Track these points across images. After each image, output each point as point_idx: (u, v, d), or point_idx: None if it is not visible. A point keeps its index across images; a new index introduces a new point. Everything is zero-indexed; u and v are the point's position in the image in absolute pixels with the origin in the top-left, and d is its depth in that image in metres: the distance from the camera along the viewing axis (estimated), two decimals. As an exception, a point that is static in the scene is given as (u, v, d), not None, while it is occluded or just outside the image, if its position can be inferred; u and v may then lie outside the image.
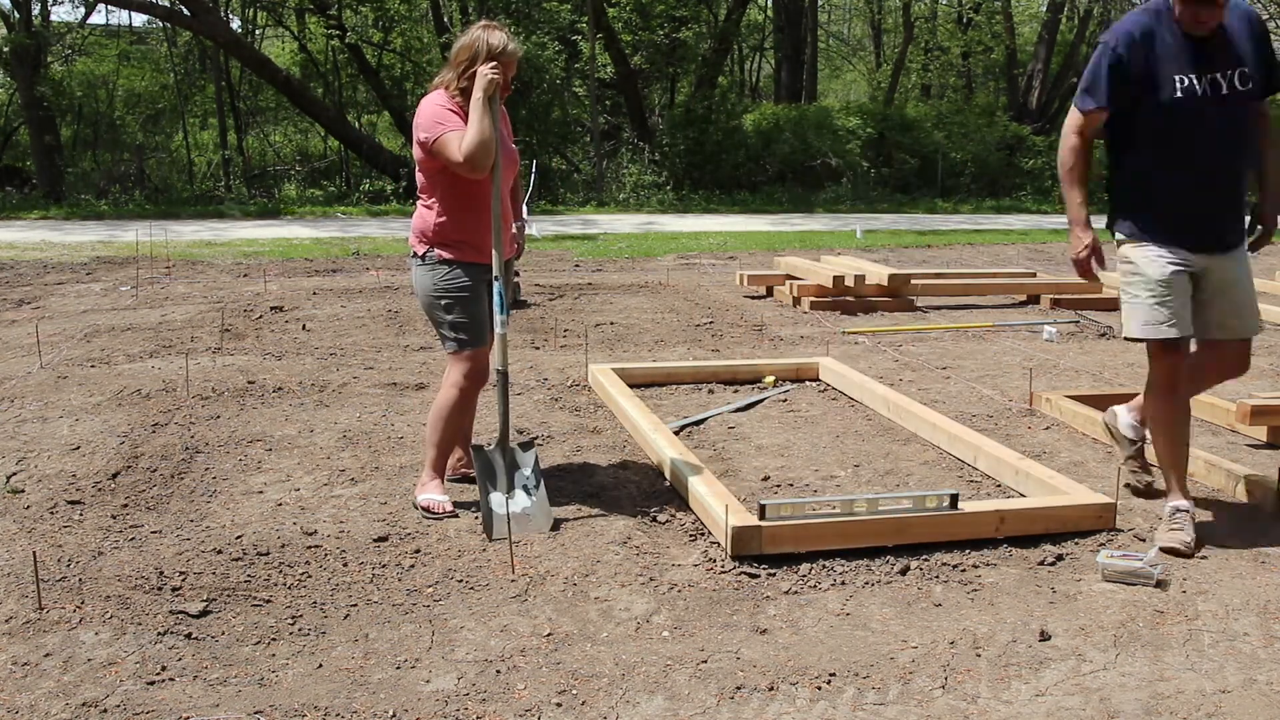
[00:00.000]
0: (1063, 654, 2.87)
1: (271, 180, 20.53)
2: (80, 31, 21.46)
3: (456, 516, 3.78)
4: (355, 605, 3.10)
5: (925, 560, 3.44)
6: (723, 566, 3.38)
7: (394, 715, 2.53)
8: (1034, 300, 8.76)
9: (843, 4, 37.90)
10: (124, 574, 3.24)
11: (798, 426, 5.06)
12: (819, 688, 2.67)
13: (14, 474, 4.17)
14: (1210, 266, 3.65)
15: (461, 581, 3.26)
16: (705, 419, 5.15)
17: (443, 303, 3.82)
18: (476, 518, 3.76)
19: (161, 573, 3.25)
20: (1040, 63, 24.13)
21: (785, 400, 5.56)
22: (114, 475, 4.16)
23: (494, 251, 3.73)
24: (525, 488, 3.76)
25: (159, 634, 2.88)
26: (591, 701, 2.60)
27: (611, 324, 7.62)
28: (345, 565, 3.36)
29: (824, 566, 3.38)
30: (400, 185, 18.73)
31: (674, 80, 23.30)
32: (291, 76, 19.94)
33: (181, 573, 3.26)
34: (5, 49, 18.38)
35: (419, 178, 3.89)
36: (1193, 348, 3.74)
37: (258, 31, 24.93)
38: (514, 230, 4.01)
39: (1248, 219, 3.85)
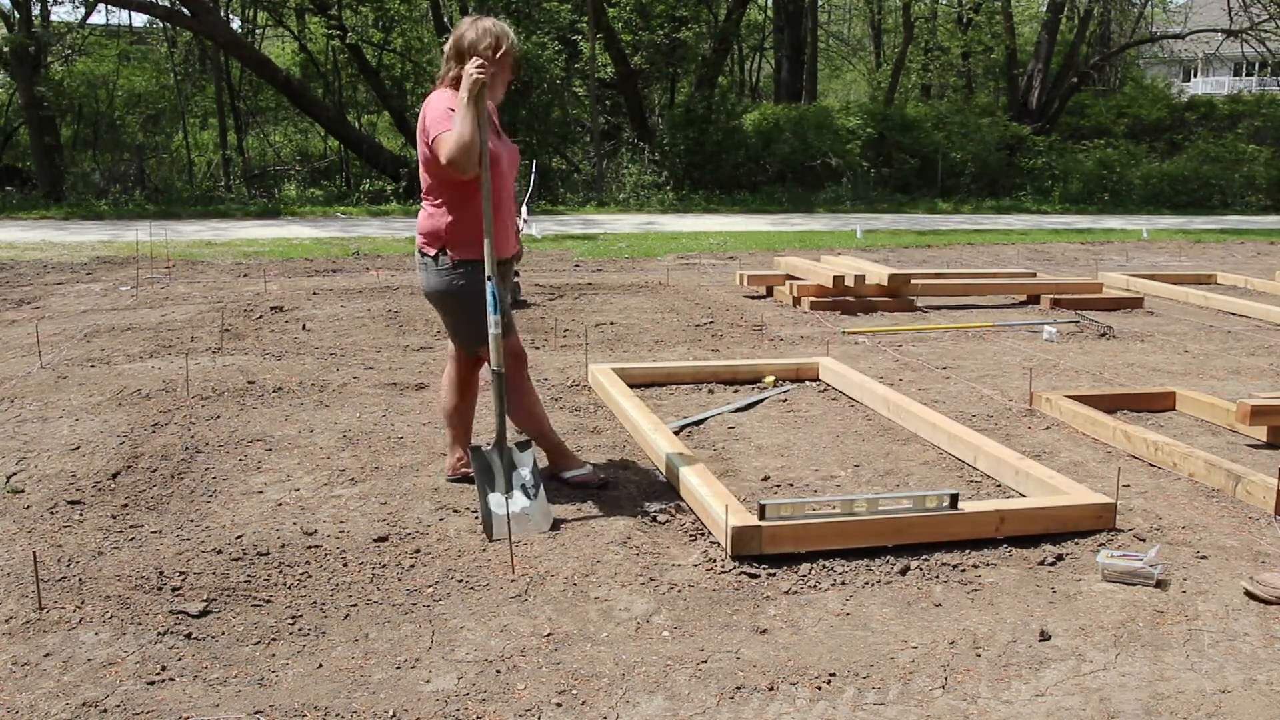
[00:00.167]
0: (1063, 654, 2.87)
1: (271, 180, 20.52)
2: (80, 31, 21.44)
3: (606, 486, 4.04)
4: (355, 605, 3.10)
5: (925, 560, 3.44)
6: (723, 566, 3.38)
7: (394, 715, 2.53)
8: (1034, 300, 8.76)
9: (843, 4, 37.89)
10: (124, 574, 3.24)
11: (798, 426, 5.06)
12: (819, 688, 2.67)
13: (14, 474, 4.17)
14: None
15: (461, 581, 3.26)
16: (705, 419, 5.15)
17: (461, 304, 3.81)
18: (476, 518, 3.76)
19: (161, 573, 3.25)
20: (1040, 63, 24.10)
21: (785, 400, 5.56)
22: (114, 475, 4.16)
23: (486, 251, 3.70)
24: (524, 488, 3.75)
25: (159, 634, 2.88)
26: (591, 701, 2.60)
27: (611, 324, 7.62)
28: (345, 565, 3.36)
29: (824, 566, 3.38)
30: (400, 185, 18.72)
31: (674, 80, 23.29)
32: (291, 76, 19.93)
33: (181, 573, 3.26)
34: (5, 49, 18.38)
35: (424, 178, 3.85)
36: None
37: (258, 31, 24.92)
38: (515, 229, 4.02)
39: None
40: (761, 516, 3.45)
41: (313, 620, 3.00)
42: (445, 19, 20.27)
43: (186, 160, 21.28)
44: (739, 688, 2.66)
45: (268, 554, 3.42)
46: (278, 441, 4.64)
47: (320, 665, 2.76)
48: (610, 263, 11.19)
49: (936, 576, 3.34)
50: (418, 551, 3.47)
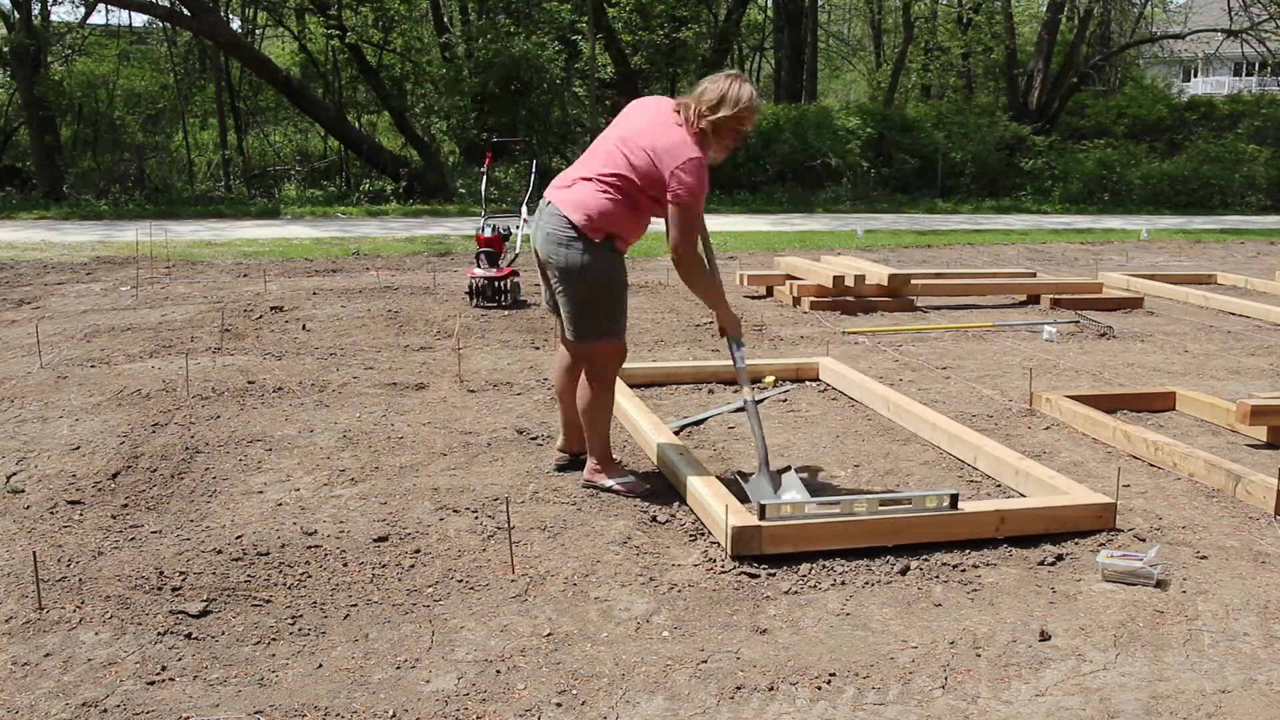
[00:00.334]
0: (1063, 654, 2.87)
1: (271, 180, 20.52)
2: (80, 31, 21.45)
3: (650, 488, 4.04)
4: (355, 605, 3.10)
5: (925, 560, 3.44)
6: (723, 566, 3.38)
7: (394, 715, 2.53)
8: (1034, 300, 8.76)
9: (843, 4, 37.90)
10: (124, 574, 3.24)
11: (798, 426, 5.06)
12: (819, 688, 2.67)
13: (14, 474, 4.17)
14: None
15: (461, 581, 3.26)
16: (705, 419, 5.15)
17: (611, 287, 3.92)
18: (476, 518, 3.76)
19: (161, 573, 3.25)
20: (1040, 63, 24.10)
21: (785, 400, 5.56)
22: (114, 475, 4.16)
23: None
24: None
25: (159, 634, 2.88)
26: (591, 701, 2.60)
27: (611, 324, 7.61)
28: (345, 565, 3.36)
29: (824, 566, 3.38)
30: (400, 185, 18.72)
31: (674, 80, 23.28)
32: (291, 76, 19.93)
33: (181, 573, 3.26)
34: (5, 49, 18.37)
35: (619, 174, 3.81)
36: None
37: (258, 31, 24.92)
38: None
39: None
40: (761, 516, 3.45)
41: (313, 620, 3.00)
42: (445, 19, 20.27)
43: (186, 160, 21.27)
44: (739, 688, 2.67)
45: (268, 554, 3.42)
46: (278, 441, 4.64)
47: (320, 665, 2.76)
48: (610, 263, 11.16)
49: (936, 576, 3.34)
50: (418, 551, 3.47)
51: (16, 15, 18.73)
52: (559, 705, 2.58)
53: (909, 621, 3.04)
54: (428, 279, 9.63)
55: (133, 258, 10.88)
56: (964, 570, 3.39)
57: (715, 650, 2.86)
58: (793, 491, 3.91)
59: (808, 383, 5.92)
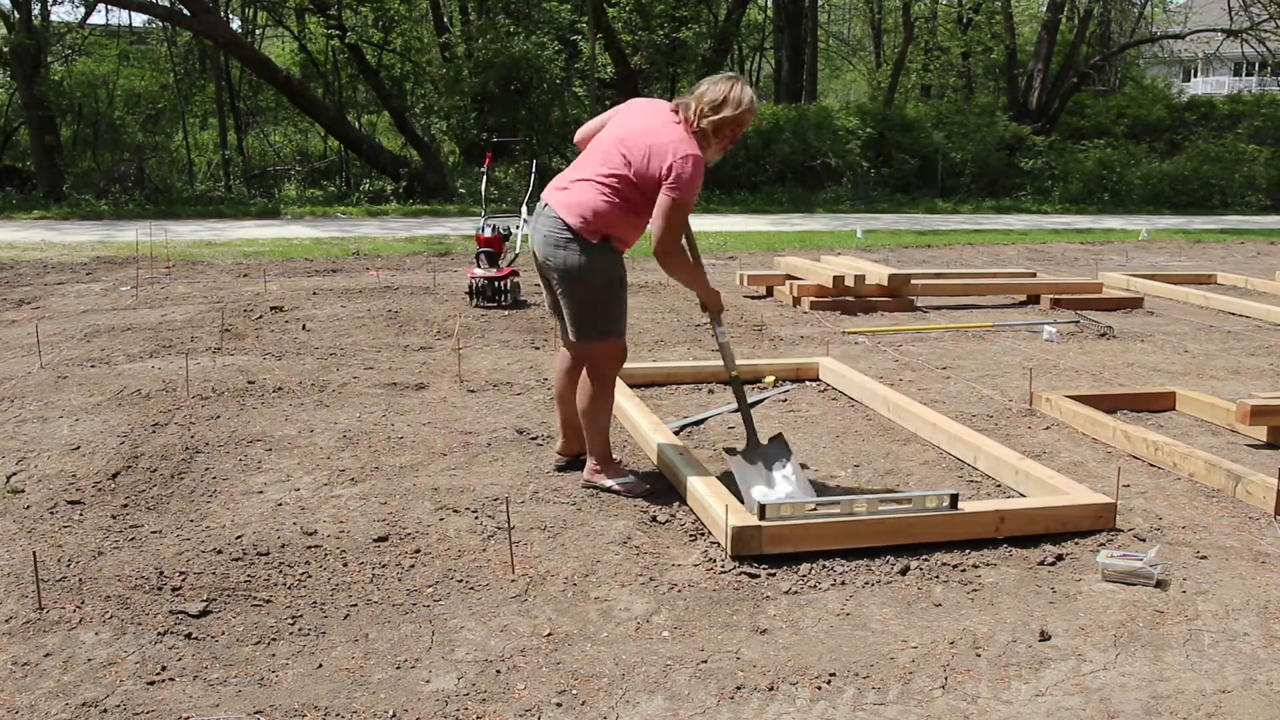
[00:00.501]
0: (1063, 654, 2.87)
1: (271, 180, 20.52)
2: (80, 31, 21.44)
3: (650, 489, 4.04)
4: (355, 605, 3.10)
5: (925, 560, 3.44)
6: (723, 566, 3.38)
7: (394, 715, 2.53)
8: (1034, 300, 8.76)
9: (843, 4, 37.89)
10: (124, 574, 3.24)
11: (798, 426, 5.06)
12: (819, 688, 2.67)
13: (14, 474, 4.17)
14: None
15: (461, 581, 3.26)
16: (705, 419, 5.15)
17: (611, 288, 3.93)
18: (476, 518, 3.76)
19: (161, 573, 3.25)
20: (1040, 63, 24.10)
21: (785, 400, 5.56)
22: (114, 475, 4.16)
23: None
24: (784, 477, 3.96)
25: (159, 634, 2.88)
26: (591, 701, 2.60)
27: (611, 324, 7.61)
28: (345, 565, 3.36)
29: (824, 566, 3.38)
30: (400, 185, 18.71)
31: (674, 80, 23.28)
32: (291, 76, 19.92)
33: (181, 573, 3.26)
34: (5, 49, 18.37)
35: (617, 175, 3.80)
36: None
37: (258, 31, 24.92)
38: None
39: None
40: (761, 516, 3.45)
41: (313, 620, 3.00)
42: (445, 19, 20.27)
43: (186, 160, 21.27)
44: (739, 688, 2.67)
45: (268, 554, 3.42)
46: (278, 441, 4.64)
47: (320, 665, 2.76)
48: (610, 263, 11.17)
49: (936, 576, 3.34)
50: (418, 551, 3.47)
51: (16, 15, 18.73)
52: (559, 705, 2.58)
53: (909, 621, 3.04)
54: (428, 279, 9.63)
55: (133, 258, 10.88)
56: (964, 570, 3.39)
57: (715, 650, 2.86)
58: (783, 463, 3.97)
59: (808, 383, 5.92)
